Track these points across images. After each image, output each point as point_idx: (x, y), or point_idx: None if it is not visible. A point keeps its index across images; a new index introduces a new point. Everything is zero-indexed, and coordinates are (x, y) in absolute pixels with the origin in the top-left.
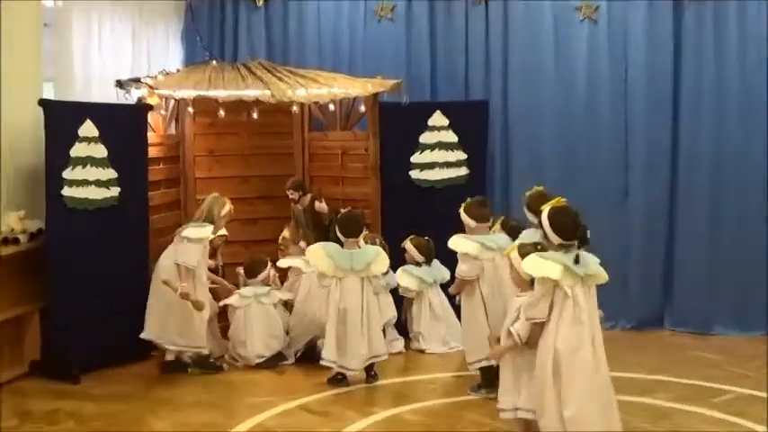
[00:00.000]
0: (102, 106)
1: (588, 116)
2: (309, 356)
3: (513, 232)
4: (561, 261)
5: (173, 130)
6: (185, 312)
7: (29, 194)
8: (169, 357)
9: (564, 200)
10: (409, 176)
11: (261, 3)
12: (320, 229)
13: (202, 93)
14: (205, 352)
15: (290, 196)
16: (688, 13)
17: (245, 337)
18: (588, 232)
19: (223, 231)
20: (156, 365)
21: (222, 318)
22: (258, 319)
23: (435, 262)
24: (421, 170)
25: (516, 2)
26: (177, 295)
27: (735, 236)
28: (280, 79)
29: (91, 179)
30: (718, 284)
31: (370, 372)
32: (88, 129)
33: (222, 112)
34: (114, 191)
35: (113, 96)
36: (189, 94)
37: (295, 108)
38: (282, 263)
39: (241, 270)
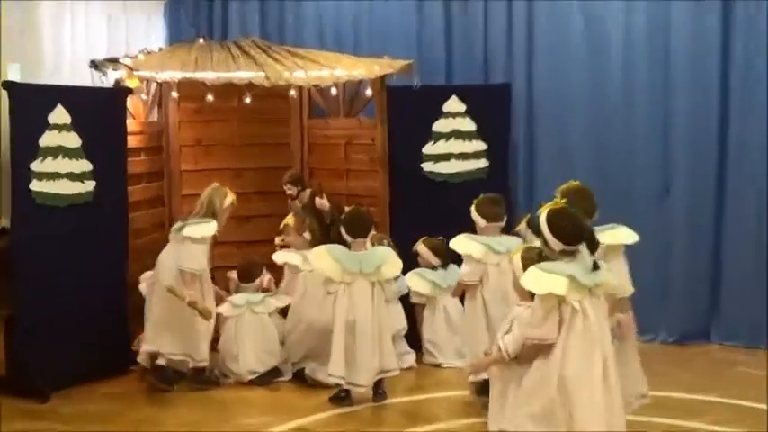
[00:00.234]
0: (75, 90)
1: (623, 102)
2: (301, 379)
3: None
4: (566, 272)
5: (155, 117)
6: (188, 321)
7: None
8: (161, 362)
9: (563, 201)
10: (421, 169)
11: None
12: (321, 229)
13: (188, 75)
14: (203, 365)
15: (288, 191)
16: None
17: (236, 351)
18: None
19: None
20: (135, 381)
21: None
22: (251, 330)
23: (452, 266)
24: (434, 162)
25: None
26: (182, 303)
27: None
28: (275, 60)
29: (62, 172)
30: None
31: (378, 389)
32: (59, 115)
33: (210, 97)
34: (89, 185)
35: (87, 79)
36: (173, 76)
37: (293, 92)
38: (278, 257)
39: (233, 274)
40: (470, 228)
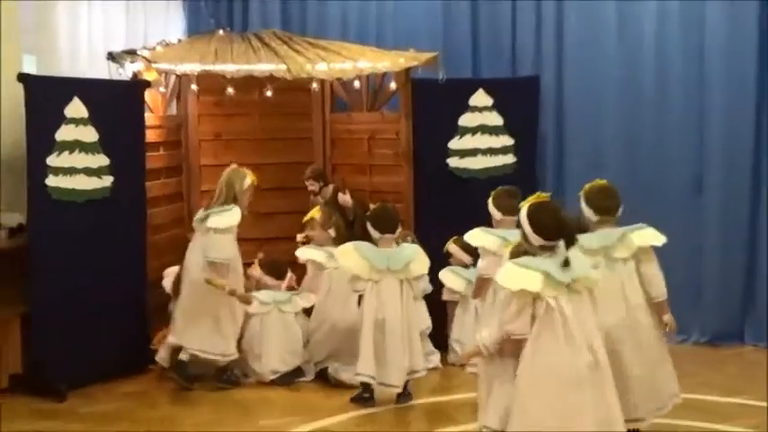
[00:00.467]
0: (93, 83)
1: (656, 97)
2: (323, 379)
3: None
4: (541, 268)
5: (174, 111)
6: (217, 317)
7: (8, 184)
8: (183, 357)
9: (546, 195)
10: (447, 165)
11: None
12: (344, 225)
13: (208, 67)
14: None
15: (310, 187)
16: None
17: (260, 350)
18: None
19: None
20: (155, 380)
21: None
22: (277, 329)
23: None
24: (460, 157)
25: None
26: (213, 298)
27: None
28: (297, 52)
29: (79, 167)
30: None
31: (403, 390)
32: (76, 108)
33: (231, 90)
34: (106, 180)
35: (105, 71)
36: (192, 68)
37: (315, 85)
38: (302, 254)
39: (254, 272)
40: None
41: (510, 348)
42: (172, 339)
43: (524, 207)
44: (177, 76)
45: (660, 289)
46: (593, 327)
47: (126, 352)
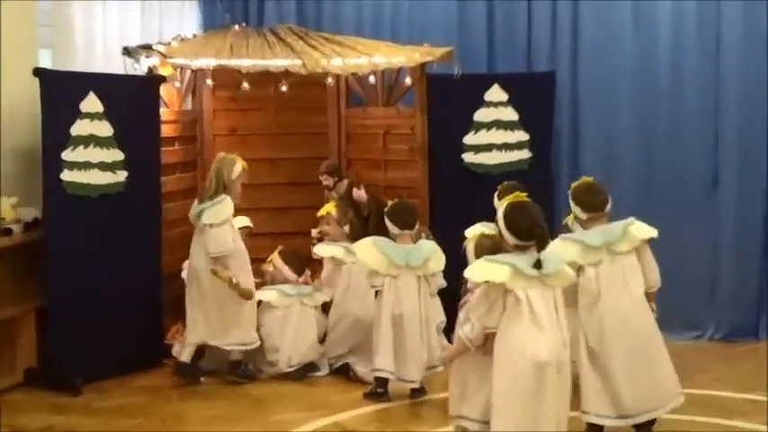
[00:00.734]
0: (108, 77)
1: (671, 92)
2: (344, 373)
3: None
4: (508, 261)
5: (189, 106)
6: (229, 305)
7: (23, 179)
8: (184, 359)
9: (524, 195)
10: (462, 160)
11: None
12: (358, 221)
13: (223, 62)
14: (252, 347)
15: (324, 182)
16: None
17: (280, 342)
18: (547, 233)
19: (247, 222)
20: (169, 375)
21: None
22: (298, 322)
23: None
24: (475, 153)
25: None
26: (221, 290)
27: None
28: (312, 47)
29: (94, 161)
30: None
31: (419, 385)
32: (91, 103)
33: (246, 85)
34: (121, 175)
35: (120, 66)
36: (208, 63)
37: (330, 80)
38: (320, 250)
39: (269, 267)
40: None
41: (488, 342)
42: (192, 339)
43: (502, 205)
44: (192, 71)
45: (657, 279)
46: (564, 322)
47: (140, 346)
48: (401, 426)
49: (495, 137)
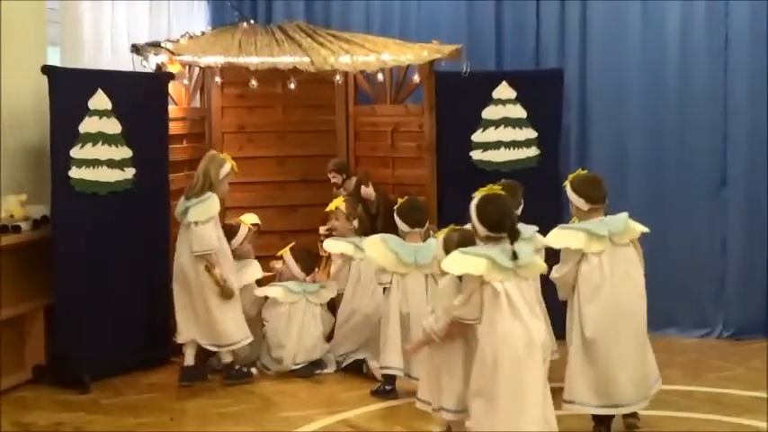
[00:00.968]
0: (116, 75)
1: (680, 90)
2: (354, 370)
3: None
4: (485, 254)
5: (197, 103)
6: (215, 303)
7: (31, 176)
8: (187, 362)
9: (498, 187)
10: (470, 158)
11: None
12: (367, 218)
13: (231, 60)
14: (240, 345)
15: (333, 180)
16: None
17: (285, 339)
18: (518, 226)
19: (255, 220)
20: (177, 372)
21: None
22: (303, 319)
23: None
24: (484, 150)
25: None
26: (201, 289)
27: None
28: (321, 44)
29: (102, 159)
30: None
31: None
32: (99, 100)
33: (254, 83)
34: (129, 172)
35: (128, 63)
36: (216, 61)
37: (338, 78)
38: (329, 246)
39: (278, 264)
40: (523, 219)
41: (456, 332)
42: (182, 338)
43: (475, 198)
44: (201, 68)
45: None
46: (539, 311)
47: (149, 344)
48: (408, 423)
49: (503, 134)
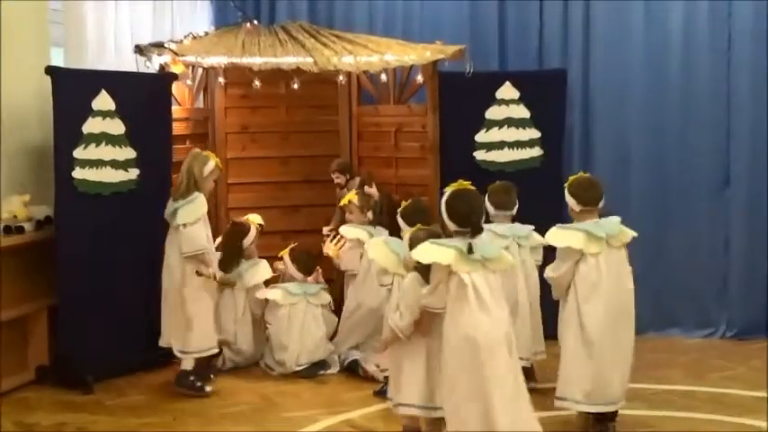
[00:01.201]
0: (120, 75)
1: (683, 90)
2: (352, 370)
3: None
4: (454, 245)
5: (200, 104)
6: (191, 310)
7: (34, 176)
8: (186, 366)
9: (467, 183)
10: (473, 158)
11: None
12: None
13: (235, 60)
14: (207, 354)
15: (336, 180)
16: None
17: (287, 341)
18: (482, 220)
19: (259, 220)
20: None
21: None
22: (304, 321)
23: None
24: (487, 151)
25: None
26: (187, 290)
27: None
28: (324, 45)
29: (106, 159)
30: None
31: None
32: (103, 101)
33: (257, 83)
34: (133, 173)
35: (132, 64)
36: (219, 61)
37: (341, 78)
38: (345, 232)
39: (280, 265)
40: (526, 219)
41: (426, 323)
42: (162, 342)
43: (446, 193)
44: (204, 68)
45: None
46: (506, 306)
47: (152, 344)
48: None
49: (506, 134)
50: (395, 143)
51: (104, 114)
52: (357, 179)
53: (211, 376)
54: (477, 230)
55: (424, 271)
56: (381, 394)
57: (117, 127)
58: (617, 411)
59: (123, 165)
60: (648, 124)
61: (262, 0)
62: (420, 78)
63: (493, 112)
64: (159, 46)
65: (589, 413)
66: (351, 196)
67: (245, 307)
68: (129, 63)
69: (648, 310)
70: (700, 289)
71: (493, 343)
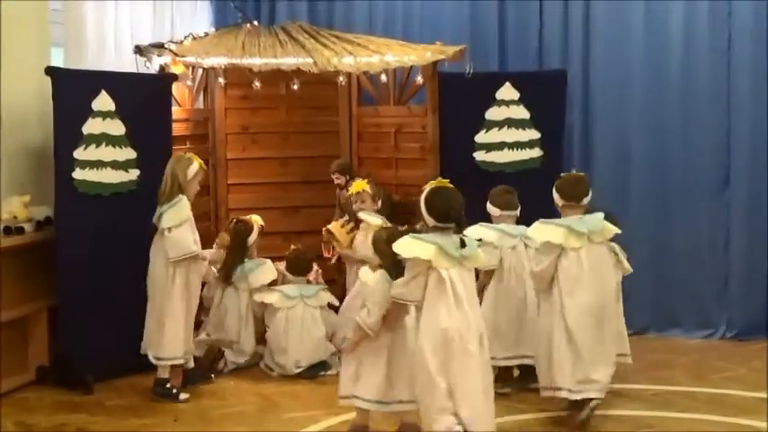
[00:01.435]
0: (120, 76)
1: (683, 90)
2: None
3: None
4: (434, 241)
5: (200, 104)
6: (164, 317)
7: (34, 177)
8: (162, 374)
9: (446, 181)
10: (473, 159)
11: None
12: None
13: (235, 61)
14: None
15: (336, 181)
16: None
17: (285, 344)
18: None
19: (259, 221)
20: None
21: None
22: (302, 323)
23: None
24: (487, 151)
25: None
26: (165, 298)
27: None
28: (324, 45)
29: (106, 160)
30: None
31: None
32: (103, 102)
33: (257, 84)
34: (133, 173)
35: (132, 64)
36: (219, 62)
37: (341, 79)
38: (367, 217)
39: (281, 266)
40: (528, 220)
41: (393, 316)
42: (143, 348)
43: (425, 190)
44: (204, 69)
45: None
46: (478, 303)
47: None
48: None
49: (506, 135)
50: (395, 144)
51: (104, 115)
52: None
53: (212, 376)
54: (459, 226)
55: (392, 268)
56: None
57: (117, 128)
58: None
59: (123, 165)
60: (649, 124)
61: (262, 1)
62: (420, 79)
63: (493, 113)
64: (159, 46)
65: (573, 400)
66: (363, 184)
67: (248, 307)
68: (129, 63)
69: (649, 311)
70: (700, 289)
71: (466, 339)
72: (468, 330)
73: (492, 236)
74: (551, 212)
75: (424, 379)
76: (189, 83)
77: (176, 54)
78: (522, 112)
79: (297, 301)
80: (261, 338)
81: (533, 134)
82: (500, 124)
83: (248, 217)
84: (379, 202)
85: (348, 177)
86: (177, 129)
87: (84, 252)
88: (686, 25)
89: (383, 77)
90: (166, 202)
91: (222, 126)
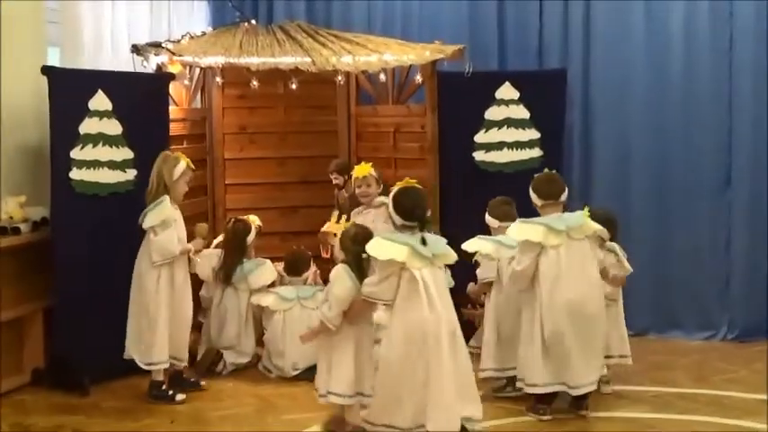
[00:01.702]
0: (116, 75)
1: (684, 89)
2: None
3: (605, 224)
4: (406, 242)
5: (198, 104)
6: (142, 321)
7: (31, 177)
8: (156, 377)
9: (414, 180)
10: (473, 159)
11: None
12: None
13: (232, 60)
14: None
15: (334, 181)
16: None
17: (283, 346)
18: (429, 214)
19: (257, 221)
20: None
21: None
22: (299, 325)
23: None
24: (486, 151)
25: None
26: (140, 303)
27: None
28: (322, 45)
29: (103, 160)
30: None
31: None
32: (100, 101)
33: (255, 83)
34: (130, 173)
35: (129, 64)
36: (217, 61)
37: (340, 78)
38: (382, 201)
39: (279, 267)
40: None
41: (358, 313)
42: (126, 354)
43: (393, 190)
44: (202, 68)
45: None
46: (449, 300)
47: None
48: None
49: (506, 135)
50: (394, 143)
51: (101, 114)
52: None
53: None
54: (423, 224)
55: (353, 264)
56: None
57: (114, 127)
58: (587, 395)
59: (120, 165)
60: (649, 124)
61: (260, 0)
62: (419, 78)
63: (492, 113)
64: (156, 46)
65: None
66: (367, 168)
67: (248, 308)
68: (125, 63)
69: (649, 312)
70: (701, 290)
71: (437, 337)
72: (440, 327)
73: (489, 248)
74: None
75: (392, 375)
76: (186, 82)
77: (173, 53)
78: (521, 112)
79: (294, 303)
80: (260, 340)
81: (533, 134)
82: (499, 124)
83: (246, 217)
84: (381, 188)
85: (347, 177)
86: (174, 128)
87: (81, 253)
88: (687, 25)
89: (382, 77)
90: (151, 203)
91: (220, 126)
